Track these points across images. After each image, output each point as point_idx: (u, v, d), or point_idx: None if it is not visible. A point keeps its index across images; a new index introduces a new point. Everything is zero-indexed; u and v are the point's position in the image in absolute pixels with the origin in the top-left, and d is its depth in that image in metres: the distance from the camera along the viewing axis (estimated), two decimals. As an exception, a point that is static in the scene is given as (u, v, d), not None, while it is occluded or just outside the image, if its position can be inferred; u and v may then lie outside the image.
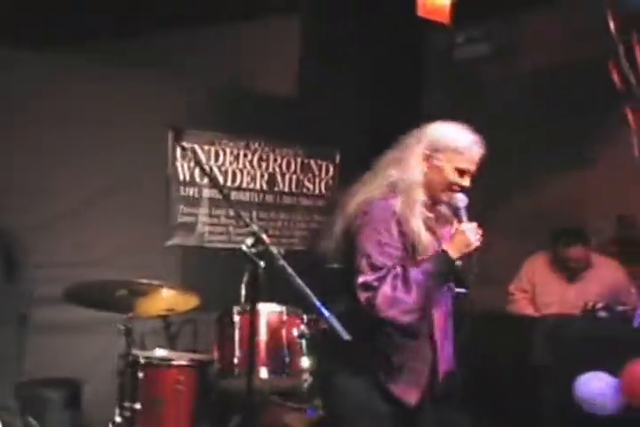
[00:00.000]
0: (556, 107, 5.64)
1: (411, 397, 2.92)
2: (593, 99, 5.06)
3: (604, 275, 4.93)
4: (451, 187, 2.92)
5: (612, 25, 4.24)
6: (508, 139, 5.71)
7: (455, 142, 2.91)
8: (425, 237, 2.86)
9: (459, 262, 2.84)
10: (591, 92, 5.03)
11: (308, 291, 2.66)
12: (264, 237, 2.77)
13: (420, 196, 2.90)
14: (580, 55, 5.25)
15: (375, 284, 2.80)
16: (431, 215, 2.94)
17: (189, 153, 3.41)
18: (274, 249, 2.72)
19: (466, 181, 2.93)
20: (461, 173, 2.92)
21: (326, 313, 2.62)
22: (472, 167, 2.93)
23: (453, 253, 2.82)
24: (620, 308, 4.33)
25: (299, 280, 2.68)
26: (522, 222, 5.52)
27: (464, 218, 2.87)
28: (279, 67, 5.73)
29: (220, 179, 5.13)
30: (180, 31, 5.34)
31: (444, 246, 2.84)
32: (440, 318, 2.97)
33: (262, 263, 2.75)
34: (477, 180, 2.96)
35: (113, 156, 4.90)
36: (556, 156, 5.64)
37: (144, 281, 3.95)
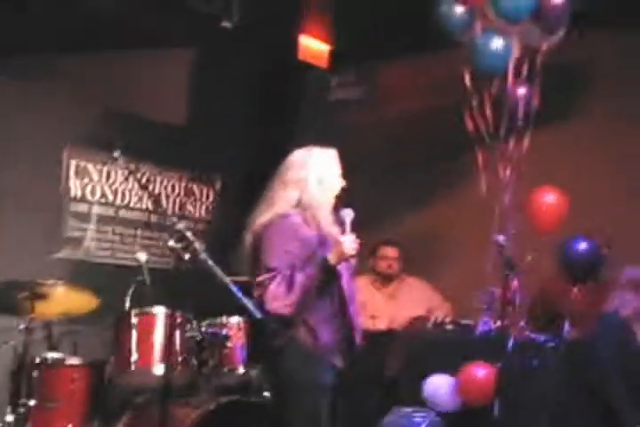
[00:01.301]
0: (419, 148, 6.76)
1: (336, 358, 3.80)
2: (450, 141, 5.96)
3: (416, 291, 6.07)
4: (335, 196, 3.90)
5: (467, 79, 5.12)
6: (370, 176, 6.84)
7: (329, 160, 3.90)
8: (333, 236, 3.77)
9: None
10: (448, 136, 5.91)
11: (227, 279, 3.54)
12: (189, 234, 3.64)
13: (324, 209, 3.83)
14: (441, 102, 6.29)
15: (266, 282, 3.68)
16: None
17: (122, 164, 4.11)
18: (197, 244, 3.59)
19: (343, 183, 3.90)
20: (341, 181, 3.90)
21: (242, 296, 3.51)
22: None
23: (332, 260, 3.70)
24: (465, 321, 5.40)
25: (218, 270, 3.55)
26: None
27: (347, 229, 3.75)
28: (173, 95, 6.47)
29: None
30: (78, 53, 5.84)
31: (327, 255, 3.71)
32: (345, 284, 3.85)
33: (187, 256, 3.62)
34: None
35: (6, 170, 5.47)
36: (414, 193, 6.83)
37: (47, 281, 4.49)
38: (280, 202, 3.84)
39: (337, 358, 3.82)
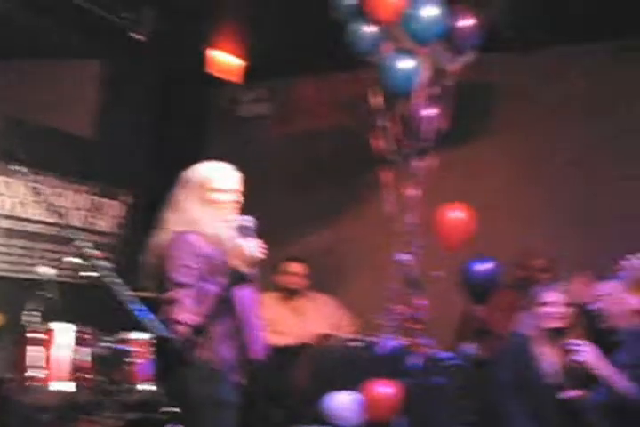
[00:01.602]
0: (328, 164, 6.96)
1: (237, 375, 3.89)
2: (359, 159, 6.02)
3: (322, 308, 6.20)
4: (231, 209, 3.96)
5: (374, 99, 5.32)
6: (280, 192, 7.00)
7: (223, 176, 3.96)
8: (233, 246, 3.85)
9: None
10: (358, 153, 5.91)
11: (130, 296, 3.61)
12: (91, 252, 3.70)
13: (219, 224, 3.91)
14: (352, 120, 6.42)
15: (176, 297, 3.77)
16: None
17: (24, 176, 4.15)
18: (100, 263, 3.66)
19: (238, 199, 3.97)
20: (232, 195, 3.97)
21: (146, 316, 3.58)
22: (238, 188, 3.98)
23: (240, 266, 3.77)
24: (369, 338, 5.52)
25: (120, 288, 3.62)
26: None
27: (248, 235, 3.81)
28: (80, 107, 6.46)
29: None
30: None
31: (232, 264, 3.77)
32: (244, 299, 3.94)
33: (91, 273, 3.67)
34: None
35: None
36: (323, 209, 6.99)
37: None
38: (175, 219, 3.95)
39: (238, 375, 3.92)
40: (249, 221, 3.88)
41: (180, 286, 3.79)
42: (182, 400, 3.85)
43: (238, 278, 3.80)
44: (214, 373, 3.82)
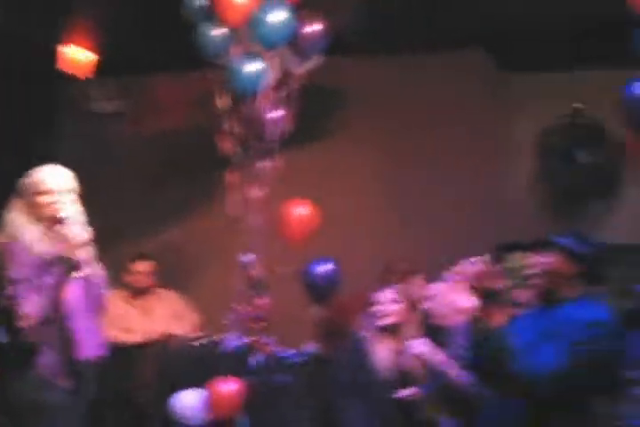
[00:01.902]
0: (177, 163, 7.07)
1: (61, 380, 3.95)
2: (207, 159, 5.93)
3: (170, 306, 6.32)
4: (54, 211, 4.06)
5: (220, 100, 5.41)
6: (130, 190, 7.05)
7: (46, 181, 4.09)
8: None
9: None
10: (206, 153, 5.84)
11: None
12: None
13: (35, 230, 4.02)
14: (201, 120, 6.45)
15: (12, 294, 3.87)
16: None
17: None
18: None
19: (69, 197, 4.08)
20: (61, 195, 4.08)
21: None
22: (68, 187, 4.11)
23: (67, 253, 3.94)
24: (214, 337, 5.67)
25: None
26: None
27: (74, 224, 3.99)
28: None
29: None
30: None
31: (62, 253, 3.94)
32: (73, 299, 4.04)
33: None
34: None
35: None
36: (172, 208, 7.17)
37: None
38: (12, 220, 4.06)
39: (68, 378, 3.99)
40: (74, 211, 4.04)
41: (14, 283, 3.88)
42: (11, 405, 3.92)
43: (71, 266, 3.94)
44: (43, 377, 3.89)
